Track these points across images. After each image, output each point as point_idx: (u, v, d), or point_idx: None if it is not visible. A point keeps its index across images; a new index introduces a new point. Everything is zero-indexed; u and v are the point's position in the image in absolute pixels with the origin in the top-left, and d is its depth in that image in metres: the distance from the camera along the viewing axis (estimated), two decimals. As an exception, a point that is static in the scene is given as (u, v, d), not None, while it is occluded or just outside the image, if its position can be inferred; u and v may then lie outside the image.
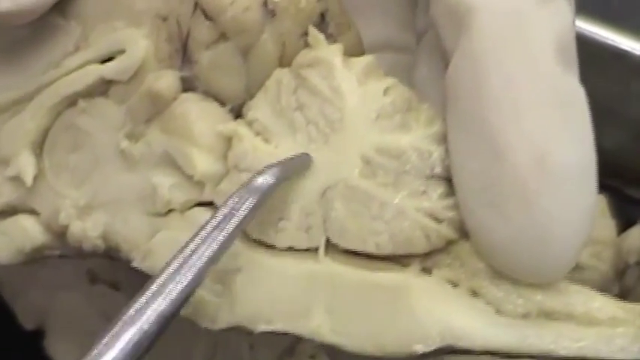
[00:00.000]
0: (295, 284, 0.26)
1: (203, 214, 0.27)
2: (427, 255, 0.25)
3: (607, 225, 0.43)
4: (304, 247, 0.26)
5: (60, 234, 0.29)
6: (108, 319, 0.39)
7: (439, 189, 0.25)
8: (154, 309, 0.22)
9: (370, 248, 0.25)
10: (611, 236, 0.43)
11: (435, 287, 0.25)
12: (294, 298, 0.25)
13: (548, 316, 0.24)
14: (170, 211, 0.27)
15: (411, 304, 0.25)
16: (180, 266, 0.23)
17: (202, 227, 0.24)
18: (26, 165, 0.29)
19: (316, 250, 0.26)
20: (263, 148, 0.27)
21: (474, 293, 0.25)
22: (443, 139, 0.26)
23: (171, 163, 0.27)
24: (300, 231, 0.26)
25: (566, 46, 0.25)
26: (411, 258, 0.25)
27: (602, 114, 0.45)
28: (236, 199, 0.24)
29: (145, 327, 0.22)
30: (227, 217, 0.24)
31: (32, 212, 0.30)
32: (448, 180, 0.25)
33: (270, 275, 0.26)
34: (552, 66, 0.25)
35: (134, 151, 0.28)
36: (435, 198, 0.25)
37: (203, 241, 0.24)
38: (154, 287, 0.23)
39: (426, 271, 0.25)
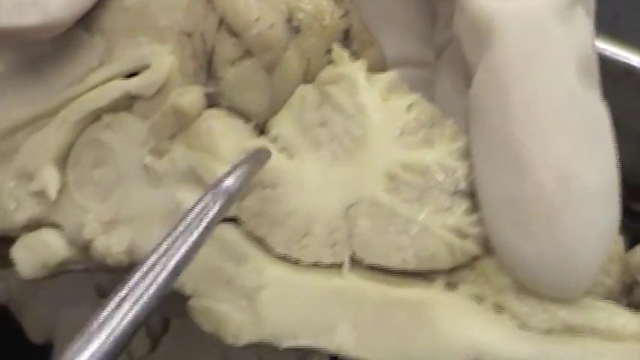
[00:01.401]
0: (320, 300, 0.25)
1: (226, 229, 0.26)
2: (452, 270, 0.25)
3: (615, 241, 0.42)
4: (329, 263, 0.25)
5: (84, 248, 0.29)
6: None
7: (464, 205, 0.25)
8: (121, 315, 0.21)
9: (395, 264, 0.25)
10: (619, 252, 0.42)
11: (459, 303, 0.25)
12: (319, 314, 0.25)
13: (572, 331, 0.24)
14: None
15: (435, 320, 0.24)
16: (146, 273, 0.22)
17: (168, 234, 0.23)
18: (50, 179, 0.29)
19: (341, 265, 0.25)
20: (286, 164, 0.26)
21: (499, 308, 0.24)
22: (467, 154, 0.25)
23: (195, 178, 0.27)
24: (325, 247, 0.25)
25: (587, 61, 0.25)
26: (436, 274, 0.25)
27: (612, 130, 0.45)
28: (203, 203, 0.24)
29: (115, 333, 0.21)
30: (196, 221, 0.23)
31: (56, 226, 0.29)
32: (472, 196, 0.25)
33: (295, 291, 0.25)
34: (575, 82, 0.24)
35: (158, 166, 0.27)
36: (459, 214, 0.25)
37: (170, 246, 0.23)
38: (121, 293, 0.22)
39: (451, 286, 0.25)
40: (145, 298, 0.22)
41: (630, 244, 0.42)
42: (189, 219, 0.23)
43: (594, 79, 0.25)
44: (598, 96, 0.25)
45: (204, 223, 0.23)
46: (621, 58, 0.43)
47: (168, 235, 0.23)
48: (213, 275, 0.26)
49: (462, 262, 0.24)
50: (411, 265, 0.24)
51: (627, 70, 0.43)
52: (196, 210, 0.23)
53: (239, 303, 0.25)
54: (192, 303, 0.26)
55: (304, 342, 0.25)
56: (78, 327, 0.38)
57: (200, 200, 0.24)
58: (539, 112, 0.24)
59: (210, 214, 0.23)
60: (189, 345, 0.37)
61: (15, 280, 0.40)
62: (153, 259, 0.22)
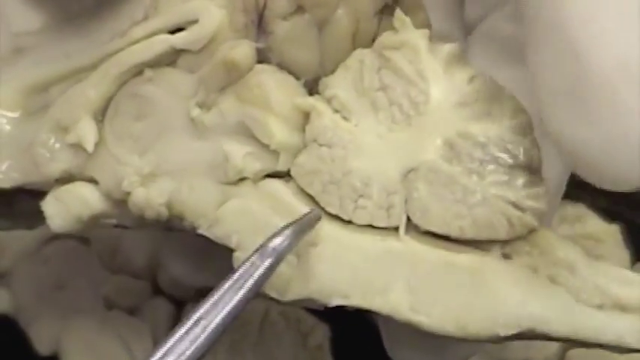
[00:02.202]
0: (374, 260, 0.25)
1: (276, 185, 0.26)
2: (507, 242, 0.25)
3: (621, 255, 0.43)
4: (383, 226, 0.25)
5: (121, 202, 0.28)
6: (124, 344, 0.38)
7: (522, 179, 0.24)
8: None
9: (453, 231, 0.24)
10: (624, 266, 0.42)
11: (515, 272, 0.24)
12: (372, 274, 0.25)
13: (622, 308, 0.24)
14: (242, 180, 0.26)
15: (492, 287, 0.24)
16: (190, 329, 0.22)
17: (215, 289, 0.23)
18: (88, 132, 0.28)
19: (395, 229, 0.25)
20: (343, 125, 0.26)
21: (553, 281, 0.24)
22: (527, 130, 0.25)
23: (245, 132, 0.26)
24: (380, 209, 0.25)
25: None
26: (492, 244, 0.25)
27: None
28: (251, 262, 0.23)
29: None
30: (242, 279, 0.23)
31: (91, 180, 0.29)
32: (531, 170, 0.25)
33: (348, 250, 0.25)
34: None
35: (206, 119, 0.27)
36: (518, 187, 0.24)
37: (215, 304, 0.23)
38: (165, 347, 0.22)
39: (506, 257, 0.25)
40: (188, 353, 0.22)
41: (636, 258, 0.42)
42: (235, 276, 0.23)
43: None
44: None
45: (249, 283, 0.23)
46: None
47: (213, 293, 0.23)
48: (262, 229, 0.25)
49: (519, 233, 0.24)
50: (469, 233, 0.24)
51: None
52: (243, 268, 0.23)
53: (289, 258, 0.25)
54: (238, 255, 0.26)
55: (355, 301, 0.24)
56: (84, 338, 0.38)
57: (248, 259, 0.23)
58: None
59: (256, 274, 0.23)
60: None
61: (23, 291, 0.40)
62: (196, 315, 0.22)
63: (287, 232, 0.24)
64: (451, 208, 0.24)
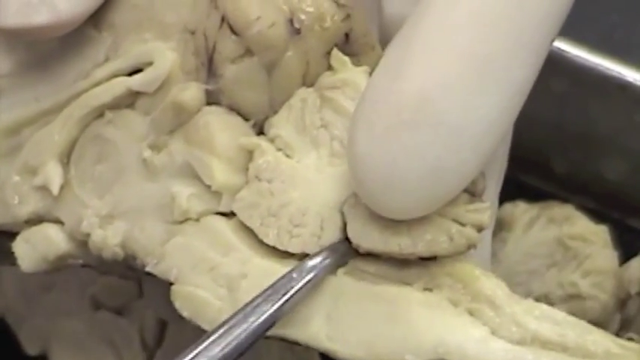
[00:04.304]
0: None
1: (217, 221, 0.26)
2: (431, 276, 0.24)
3: (609, 255, 0.42)
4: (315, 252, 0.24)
5: (82, 242, 0.28)
6: (111, 345, 0.37)
7: (464, 196, 0.24)
8: None
9: (393, 249, 0.23)
10: (612, 266, 0.41)
11: (434, 303, 0.23)
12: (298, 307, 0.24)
13: (542, 345, 0.23)
14: (187, 219, 0.26)
15: (408, 316, 0.23)
16: (221, 336, 0.22)
17: (250, 300, 0.23)
18: (53, 175, 0.28)
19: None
20: (285, 161, 0.25)
21: (472, 314, 0.23)
22: None
23: (191, 173, 0.26)
24: (313, 237, 0.24)
25: None
26: (415, 277, 0.24)
27: (605, 145, 0.43)
28: (288, 278, 0.23)
29: None
30: (277, 293, 0.23)
31: (57, 221, 0.28)
32: (473, 195, 0.24)
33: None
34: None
35: (156, 161, 0.26)
36: (458, 204, 0.24)
37: (248, 315, 0.23)
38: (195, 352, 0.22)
39: (428, 290, 0.24)
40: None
41: (624, 259, 0.41)
42: (269, 291, 0.23)
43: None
44: (531, 63, 0.23)
45: (285, 297, 0.23)
46: (615, 74, 0.42)
47: (248, 303, 0.23)
48: (199, 263, 0.25)
49: (460, 250, 0.23)
50: (409, 249, 0.23)
51: (621, 85, 0.42)
52: (280, 283, 0.23)
53: (220, 291, 0.25)
54: (175, 288, 0.25)
55: (280, 332, 0.24)
56: (72, 339, 0.37)
57: (285, 275, 0.23)
58: (448, 28, 0.22)
59: (293, 289, 0.23)
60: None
61: (12, 291, 0.39)
62: (229, 324, 0.22)
63: (325, 252, 0.24)
64: (389, 227, 0.23)
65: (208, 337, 0.22)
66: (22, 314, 0.39)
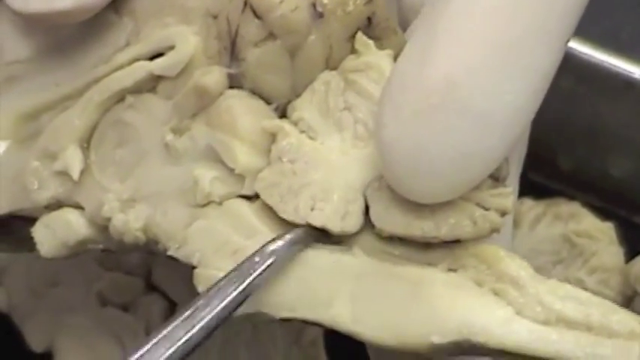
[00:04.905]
0: (321, 273, 0.24)
1: (240, 204, 0.25)
2: (455, 257, 0.24)
3: (615, 252, 0.42)
4: (336, 231, 0.24)
5: (103, 227, 0.27)
6: (118, 341, 0.37)
7: (486, 183, 0.24)
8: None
9: (416, 232, 0.23)
10: (618, 263, 0.41)
11: (458, 284, 0.23)
12: (318, 287, 0.24)
13: (567, 325, 0.23)
14: (209, 202, 0.26)
15: (432, 297, 0.23)
16: (186, 319, 0.22)
17: (213, 285, 0.23)
18: (74, 160, 0.27)
19: (349, 236, 0.24)
20: (308, 143, 0.25)
21: (497, 294, 0.23)
22: None
23: (214, 156, 0.25)
24: (336, 214, 0.24)
25: None
26: (439, 258, 0.24)
27: (611, 142, 0.43)
28: (250, 262, 0.23)
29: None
30: (240, 277, 0.23)
31: (77, 206, 0.28)
32: (497, 180, 0.24)
33: (297, 264, 0.24)
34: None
35: (178, 144, 0.26)
36: (481, 189, 0.23)
37: (211, 298, 0.23)
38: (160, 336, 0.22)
39: (452, 271, 0.24)
40: (180, 343, 0.22)
41: (630, 256, 0.40)
42: (232, 274, 0.23)
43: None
44: (556, 49, 0.23)
45: (247, 281, 0.23)
46: (622, 71, 0.42)
47: (210, 287, 0.23)
48: (222, 247, 0.25)
49: (483, 234, 0.23)
50: (432, 233, 0.23)
51: (628, 82, 0.42)
52: (242, 267, 0.23)
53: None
54: (198, 271, 0.25)
55: (301, 314, 0.24)
56: (78, 335, 0.37)
57: (248, 258, 0.23)
58: (474, 14, 0.22)
59: (255, 273, 0.23)
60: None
61: (18, 287, 0.39)
62: (193, 307, 0.22)
63: (288, 236, 0.24)
64: (413, 210, 0.23)
65: (174, 320, 0.22)
66: (27, 310, 0.39)
